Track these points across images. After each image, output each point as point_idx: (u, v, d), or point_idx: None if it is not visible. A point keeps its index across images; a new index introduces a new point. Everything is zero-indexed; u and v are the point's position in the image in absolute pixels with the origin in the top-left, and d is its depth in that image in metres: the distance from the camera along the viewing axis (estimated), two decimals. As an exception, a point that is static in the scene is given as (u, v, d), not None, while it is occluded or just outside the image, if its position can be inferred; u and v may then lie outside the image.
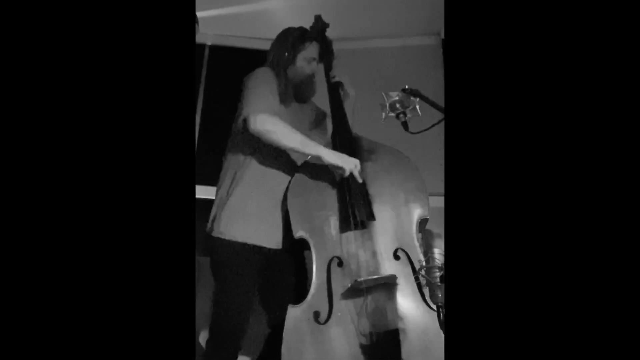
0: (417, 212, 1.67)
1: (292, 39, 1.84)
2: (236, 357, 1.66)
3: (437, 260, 1.23)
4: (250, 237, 1.68)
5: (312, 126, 1.94)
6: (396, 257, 1.60)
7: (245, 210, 1.69)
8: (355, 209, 1.63)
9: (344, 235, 1.64)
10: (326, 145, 1.73)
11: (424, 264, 1.25)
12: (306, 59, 1.84)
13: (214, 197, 1.81)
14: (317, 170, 1.72)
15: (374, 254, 1.61)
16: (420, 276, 1.25)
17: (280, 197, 1.73)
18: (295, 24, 1.90)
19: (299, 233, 1.66)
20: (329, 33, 1.97)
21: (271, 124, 1.63)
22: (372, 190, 1.69)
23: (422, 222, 1.68)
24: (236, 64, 2.92)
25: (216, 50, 2.96)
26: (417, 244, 1.62)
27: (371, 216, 1.65)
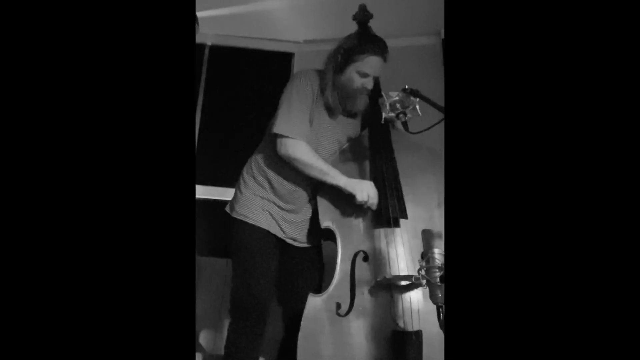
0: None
1: (349, 44, 1.68)
2: (261, 336, 1.67)
3: (437, 260, 1.22)
4: (268, 226, 1.70)
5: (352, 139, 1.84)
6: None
7: (271, 199, 1.71)
8: (390, 205, 1.63)
9: (373, 230, 1.64)
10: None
11: (423, 264, 1.25)
12: (359, 72, 1.66)
13: (214, 197, 1.81)
14: (352, 165, 1.73)
15: (401, 252, 1.60)
16: (420, 276, 1.25)
17: (308, 188, 1.73)
18: (295, 23, 1.88)
19: (325, 223, 1.66)
20: (328, 33, 1.93)
21: (295, 150, 1.63)
22: (405, 187, 1.69)
23: None
24: (236, 64, 2.92)
25: (216, 50, 2.96)
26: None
27: (404, 214, 1.64)
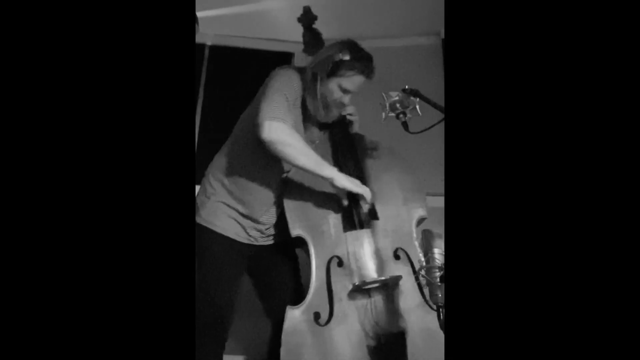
0: (416, 212, 1.67)
1: (339, 57, 1.60)
2: (223, 349, 1.64)
3: (437, 260, 1.22)
4: (236, 234, 1.67)
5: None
6: (396, 257, 1.60)
7: (235, 206, 1.68)
8: (358, 208, 1.61)
9: (344, 234, 1.62)
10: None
11: (424, 264, 1.25)
12: (340, 87, 1.62)
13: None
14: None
15: (374, 253, 1.60)
16: (420, 276, 1.25)
17: (273, 195, 1.69)
18: (295, 23, 1.88)
19: (296, 231, 1.63)
20: (328, 33, 1.92)
21: (289, 135, 1.51)
22: (371, 188, 1.66)
23: (420, 221, 1.68)
24: (236, 64, 2.92)
25: (216, 50, 2.96)
26: (416, 243, 1.61)
27: (375, 215, 1.63)
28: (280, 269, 1.76)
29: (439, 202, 1.74)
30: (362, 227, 1.61)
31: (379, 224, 1.64)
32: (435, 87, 1.59)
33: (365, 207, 1.61)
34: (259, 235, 1.72)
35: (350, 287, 1.55)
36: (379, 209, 1.65)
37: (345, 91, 1.63)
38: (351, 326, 1.52)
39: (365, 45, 1.71)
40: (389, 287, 1.55)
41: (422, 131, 1.41)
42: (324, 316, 1.53)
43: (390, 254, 1.60)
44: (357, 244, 1.61)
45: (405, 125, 1.47)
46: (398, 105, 1.46)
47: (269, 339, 1.73)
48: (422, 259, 1.54)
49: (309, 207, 1.66)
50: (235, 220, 1.67)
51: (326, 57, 1.63)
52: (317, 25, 1.89)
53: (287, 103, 1.56)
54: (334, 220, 1.64)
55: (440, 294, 1.20)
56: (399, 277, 1.54)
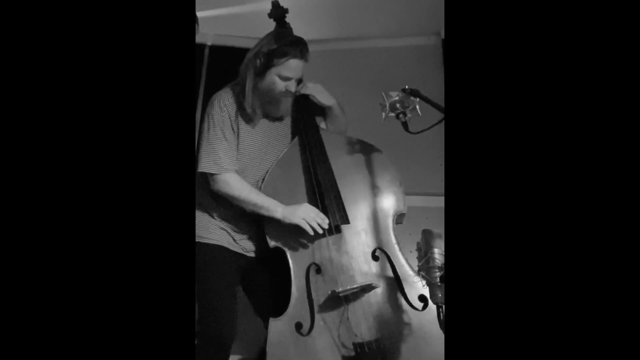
0: (392, 208, 1.63)
1: (268, 48, 1.62)
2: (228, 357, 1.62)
3: (437, 260, 1.22)
4: (229, 244, 1.68)
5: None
6: (375, 258, 1.57)
7: (220, 218, 1.69)
8: (329, 214, 1.58)
9: (319, 241, 1.59)
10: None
11: (423, 263, 1.25)
12: (280, 76, 1.61)
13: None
14: (288, 177, 1.68)
15: (351, 257, 1.57)
16: (420, 276, 1.24)
17: (253, 216, 1.68)
18: (296, 24, 1.86)
19: (272, 242, 1.62)
20: (328, 33, 1.92)
21: (226, 186, 1.61)
22: (344, 189, 1.64)
23: (399, 217, 1.64)
24: (236, 64, 2.91)
25: (216, 50, 2.95)
26: (394, 241, 1.59)
27: (345, 220, 1.60)
28: (273, 281, 1.74)
29: (439, 202, 1.74)
30: (332, 232, 1.58)
31: (354, 225, 1.61)
32: (435, 87, 1.59)
33: (325, 225, 1.57)
34: (249, 245, 1.72)
35: (328, 294, 1.53)
36: (351, 208, 1.62)
37: (286, 79, 1.62)
38: (332, 334, 1.50)
39: (365, 45, 1.71)
40: (366, 293, 1.53)
41: (422, 131, 1.40)
42: (306, 326, 1.52)
43: (369, 255, 1.58)
44: (334, 248, 1.58)
45: (405, 125, 1.47)
46: (398, 105, 1.45)
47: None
48: (401, 257, 1.53)
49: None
50: (226, 230, 1.69)
51: (255, 52, 1.64)
52: (316, 24, 1.88)
53: (220, 143, 1.62)
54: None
55: (440, 294, 1.20)
56: (370, 285, 1.52)
